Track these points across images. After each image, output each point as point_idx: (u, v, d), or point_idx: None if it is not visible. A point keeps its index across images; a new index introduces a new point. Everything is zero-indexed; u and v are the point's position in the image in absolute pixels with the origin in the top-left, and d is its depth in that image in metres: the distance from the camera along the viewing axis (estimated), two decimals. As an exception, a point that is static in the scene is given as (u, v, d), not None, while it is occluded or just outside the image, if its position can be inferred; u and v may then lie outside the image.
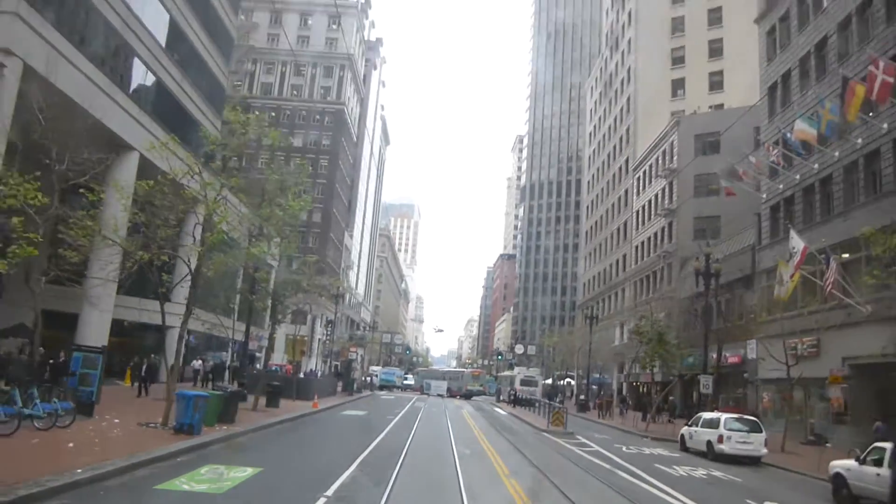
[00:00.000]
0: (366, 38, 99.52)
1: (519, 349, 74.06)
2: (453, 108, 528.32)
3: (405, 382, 74.32)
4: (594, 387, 60.65)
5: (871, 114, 26.97)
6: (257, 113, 21.98)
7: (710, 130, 49.15)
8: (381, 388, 65.42)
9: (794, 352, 29.26)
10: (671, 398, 42.94)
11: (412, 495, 12.02)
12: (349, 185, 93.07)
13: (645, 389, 54.68)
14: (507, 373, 71.41)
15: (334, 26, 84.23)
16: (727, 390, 40.31)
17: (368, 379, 62.77)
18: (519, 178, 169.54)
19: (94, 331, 28.67)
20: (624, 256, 64.86)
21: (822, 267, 26.31)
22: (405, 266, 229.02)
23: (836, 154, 29.79)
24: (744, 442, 21.48)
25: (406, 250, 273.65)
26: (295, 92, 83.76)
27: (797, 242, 27.33)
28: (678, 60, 62.20)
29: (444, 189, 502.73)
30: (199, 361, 37.20)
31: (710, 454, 21.92)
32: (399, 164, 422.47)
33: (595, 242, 78.10)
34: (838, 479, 14.80)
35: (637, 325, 36.20)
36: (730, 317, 38.94)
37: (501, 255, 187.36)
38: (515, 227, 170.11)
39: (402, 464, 14.95)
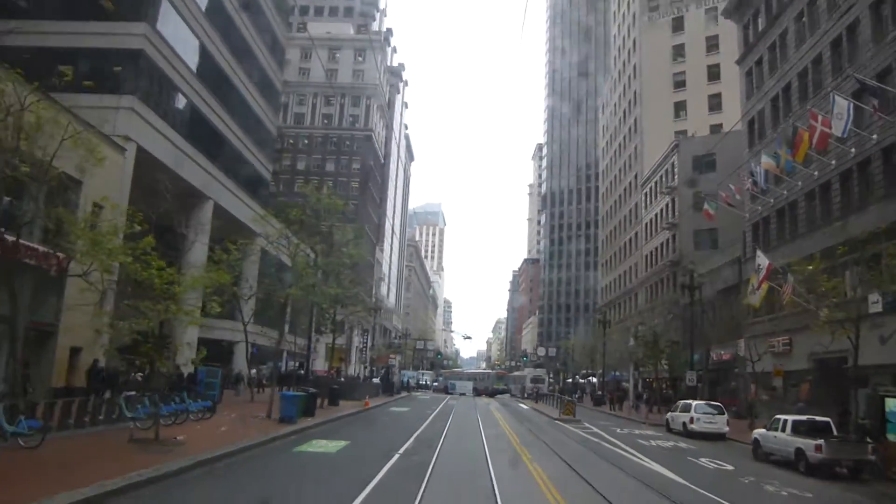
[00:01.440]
0: (389, 65, 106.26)
1: (541, 351, 79.94)
2: (475, 116, 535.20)
3: (434, 384, 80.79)
4: (624, 383, 66.21)
5: (826, 150, 32.45)
6: (328, 191, 28.50)
7: (706, 152, 54.63)
8: (405, 388, 71.27)
9: (773, 349, 35.11)
10: (665, 390, 48.43)
11: (453, 453, 18.14)
12: (378, 204, 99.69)
13: (657, 385, 60.13)
14: (518, 373, 78.10)
15: (360, 58, 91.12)
16: (724, 383, 45.83)
17: (408, 381, 69.12)
18: (540, 185, 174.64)
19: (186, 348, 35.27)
20: (636, 264, 70.34)
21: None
22: (432, 273, 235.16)
23: (800, 184, 35.31)
24: (710, 422, 27.29)
25: (432, 257, 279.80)
26: (325, 121, 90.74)
27: (762, 260, 32.89)
28: (680, 84, 67.67)
29: (468, 195, 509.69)
30: (255, 370, 43.77)
31: (685, 432, 27.74)
32: (423, 172, 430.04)
33: (611, 251, 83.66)
34: (755, 442, 20.72)
35: (636, 331, 41.86)
36: (722, 320, 44.40)
37: (526, 260, 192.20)
38: (538, 233, 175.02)
39: (444, 438, 21.17)
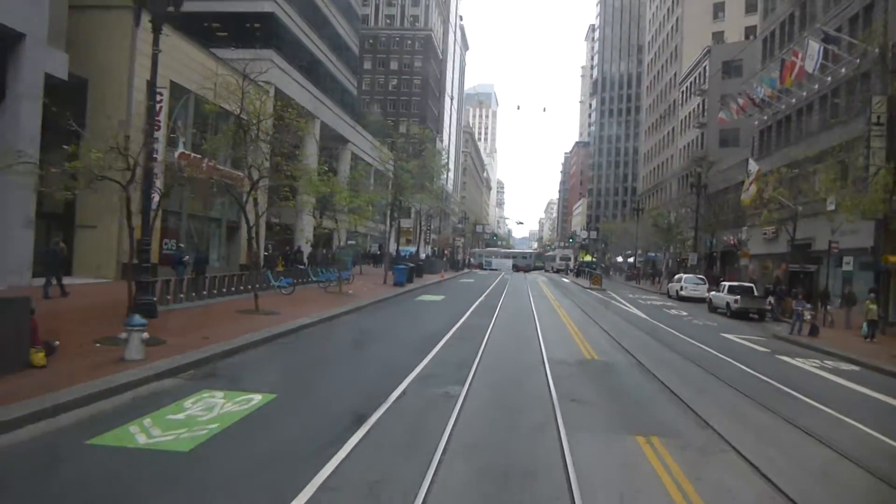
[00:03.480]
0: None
1: (584, 234, 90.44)
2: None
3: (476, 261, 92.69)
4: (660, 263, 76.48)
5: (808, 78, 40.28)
6: (423, 128, 38.50)
7: (734, 58, 61.40)
8: (466, 265, 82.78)
9: (765, 236, 44.70)
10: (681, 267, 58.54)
11: (511, 303, 29.14)
12: (437, 97, 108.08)
13: (674, 264, 70.26)
14: (549, 253, 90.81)
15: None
16: (730, 263, 55.66)
17: (471, 259, 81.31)
18: (592, 67, 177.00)
19: (300, 236, 46.81)
20: (671, 157, 78.46)
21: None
22: (485, 155, 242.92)
23: (794, 101, 43.29)
24: (694, 290, 37.70)
25: (485, 139, 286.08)
26: (388, 21, 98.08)
27: (752, 166, 41.79)
28: (720, -16, 72.63)
29: (521, 74, 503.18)
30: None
31: (677, 297, 38.38)
32: (476, 54, 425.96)
33: (651, 142, 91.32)
34: (709, 300, 31.25)
35: (654, 219, 51.63)
36: (731, 210, 53.53)
37: (577, 143, 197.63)
38: (589, 116, 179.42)
39: (504, 296, 32.36)
